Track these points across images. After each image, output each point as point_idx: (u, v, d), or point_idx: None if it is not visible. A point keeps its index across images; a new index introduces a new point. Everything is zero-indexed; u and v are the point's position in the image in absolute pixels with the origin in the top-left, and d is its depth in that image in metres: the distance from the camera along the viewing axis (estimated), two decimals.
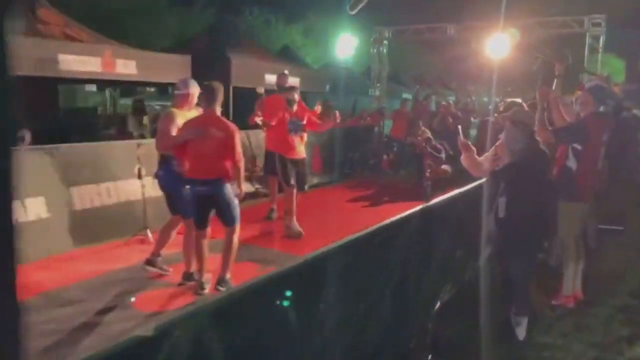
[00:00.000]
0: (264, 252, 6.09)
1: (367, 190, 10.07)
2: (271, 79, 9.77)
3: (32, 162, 5.60)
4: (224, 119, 4.79)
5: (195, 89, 4.89)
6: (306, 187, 6.89)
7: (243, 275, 4.93)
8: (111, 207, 6.30)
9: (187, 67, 8.02)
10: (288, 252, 6.06)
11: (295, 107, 6.64)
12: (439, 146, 9.91)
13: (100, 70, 6.65)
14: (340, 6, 11.76)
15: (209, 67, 8.94)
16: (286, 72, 7.37)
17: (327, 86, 12.92)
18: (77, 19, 7.88)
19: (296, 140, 6.67)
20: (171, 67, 7.77)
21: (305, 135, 6.78)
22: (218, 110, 4.72)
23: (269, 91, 8.82)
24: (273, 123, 6.61)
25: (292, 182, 6.70)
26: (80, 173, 6.01)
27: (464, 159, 4.02)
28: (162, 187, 4.92)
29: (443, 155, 9.79)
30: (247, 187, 8.31)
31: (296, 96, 6.63)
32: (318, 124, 6.89)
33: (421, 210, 3.43)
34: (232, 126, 4.74)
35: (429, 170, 9.08)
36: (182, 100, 4.90)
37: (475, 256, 4.34)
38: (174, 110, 4.85)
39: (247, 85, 7.23)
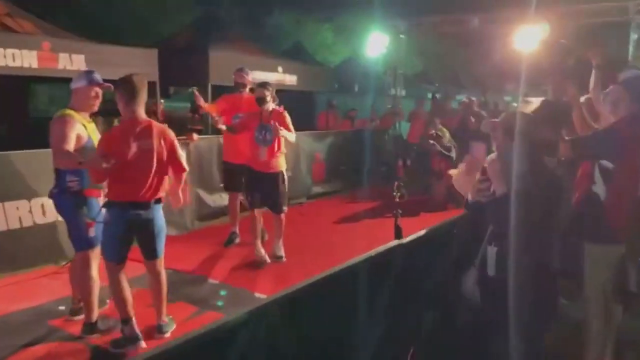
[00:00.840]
0: (209, 288, 4.99)
1: (373, 202, 8.80)
2: (263, 76, 8.68)
3: None
4: (155, 122, 3.74)
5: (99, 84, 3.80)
6: (284, 208, 5.69)
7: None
8: (45, 227, 5.31)
9: (153, 63, 7.00)
10: (243, 288, 4.94)
11: (268, 107, 5.48)
12: (449, 145, 8.59)
13: (37, 65, 5.67)
14: (372, 3, 10.74)
15: (185, 64, 7.91)
16: (244, 68, 6.18)
17: (336, 85, 11.71)
18: (51, 17, 6.97)
19: (264, 150, 5.48)
20: (132, 63, 6.75)
21: (277, 144, 5.55)
22: (143, 112, 3.64)
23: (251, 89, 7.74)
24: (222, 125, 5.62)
25: (254, 202, 5.60)
26: (8, 186, 5.03)
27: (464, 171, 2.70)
28: (58, 211, 3.85)
29: (454, 155, 8.45)
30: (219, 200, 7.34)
31: (267, 94, 5.44)
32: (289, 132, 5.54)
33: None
34: (169, 131, 3.77)
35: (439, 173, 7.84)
36: (82, 99, 3.81)
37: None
38: (71, 112, 3.76)
39: (231, 84, 6.17)
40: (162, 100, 7.78)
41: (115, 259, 3.67)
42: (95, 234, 3.70)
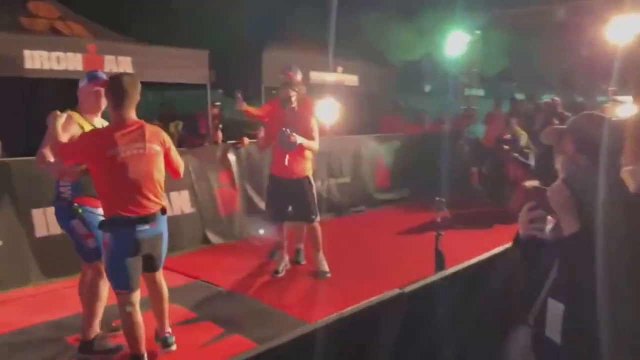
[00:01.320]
0: (242, 305, 4.57)
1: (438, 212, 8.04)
2: (320, 76, 8.24)
3: None
4: (148, 124, 3.38)
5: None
6: (315, 217, 5.18)
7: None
8: None
9: (203, 64, 6.73)
10: (283, 311, 4.47)
11: (292, 107, 5.01)
12: (527, 151, 7.68)
13: (82, 68, 5.55)
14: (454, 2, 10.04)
15: (239, 65, 7.62)
16: (292, 66, 5.67)
17: (403, 85, 11.02)
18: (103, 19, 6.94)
19: (288, 154, 4.98)
20: (182, 65, 6.53)
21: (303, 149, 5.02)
22: (133, 114, 3.30)
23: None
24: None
25: (277, 213, 5.21)
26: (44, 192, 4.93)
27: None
28: (57, 221, 3.57)
29: (532, 161, 7.54)
30: None
31: (293, 95, 4.98)
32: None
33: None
34: (163, 132, 3.44)
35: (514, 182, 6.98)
36: (84, 99, 3.52)
37: None
38: (72, 112, 3.47)
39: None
40: (219, 103, 7.50)
41: (128, 287, 3.26)
42: (95, 245, 3.37)
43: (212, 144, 6.79)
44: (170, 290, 4.67)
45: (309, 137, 4.98)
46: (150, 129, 3.33)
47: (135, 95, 3.26)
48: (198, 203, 6.32)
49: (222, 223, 6.50)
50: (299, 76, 5.63)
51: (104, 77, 3.50)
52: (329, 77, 8.26)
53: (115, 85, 3.22)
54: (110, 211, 3.19)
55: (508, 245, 2.16)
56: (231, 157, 6.76)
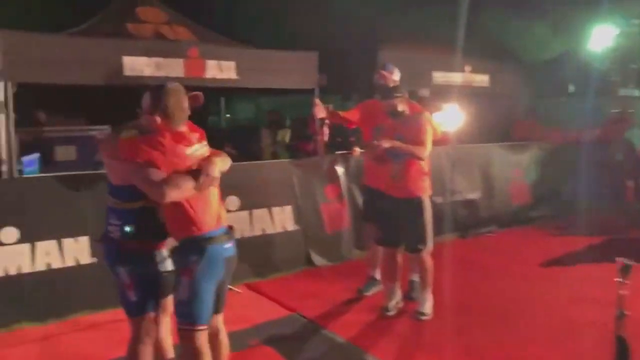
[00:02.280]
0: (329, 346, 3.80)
1: (591, 237, 6.60)
2: (444, 77, 7.27)
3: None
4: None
5: None
6: (423, 247, 4.27)
7: None
8: None
9: (312, 67, 6.13)
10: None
11: (401, 112, 4.22)
12: None
13: (183, 74, 5.21)
14: None
15: (351, 67, 6.94)
16: (388, 65, 4.78)
17: (540, 86, 9.58)
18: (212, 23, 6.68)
19: (397, 168, 4.20)
20: (288, 69, 5.98)
21: (408, 162, 4.20)
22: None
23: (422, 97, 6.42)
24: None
25: (384, 237, 4.40)
26: None
27: None
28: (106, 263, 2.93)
29: None
30: None
31: (399, 105, 4.17)
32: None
33: None
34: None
35: None
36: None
37: None
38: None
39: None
40: (331, 105, 6.87)
41: (207, 319, 2.74)
42: (136, 298, 2.81)
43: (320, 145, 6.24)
44: (262, 325, 4.15)
45: (420, 141, 4.16)
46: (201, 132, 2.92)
47: (184, 103, 2.78)
48: (302, 220, 5.71)
49: (328, 242, 5.84)
50: (396, 76, 4.77)
51: None
52: (455, 78, 7.26)
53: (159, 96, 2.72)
54: (193, 230, 2.69)
55: None
56: (339, 169, 6.08)
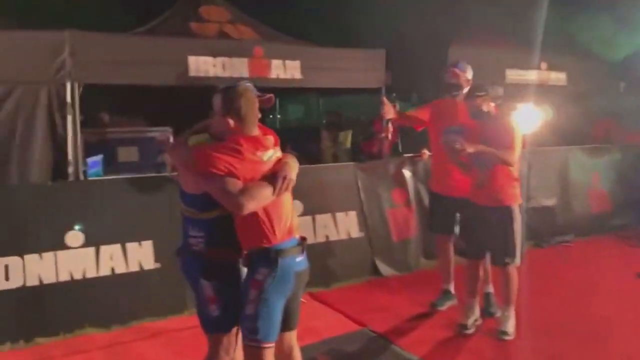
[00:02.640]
0: None
1: None
2: (518, 75, 6.80)
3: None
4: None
5: None
6: (511, 260, 3.89)
7: None
8: None
9: (380, 65, 5.83)
10: None
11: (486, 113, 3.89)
12: None
13: (248, 74, 5.03)
14: None
15: (417, 66, 6.58)
16: (460, 62, 4.39)
17: (622, 85, 8.86)
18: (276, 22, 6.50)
19: (485, 174, 3.88)
20: (355, 67, 5.71)
21: (496, 167, 3.84)
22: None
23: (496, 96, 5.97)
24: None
25: (469, 248, 4.05)
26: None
27: None
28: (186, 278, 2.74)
29: None
30: None
31: (483, 104, 3.84)
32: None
33: None
34: None
35: None
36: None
37: None
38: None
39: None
40: (396, 104, 6.56)
41: (275, 336, 2.53)
42: (217, 313, 2.58)
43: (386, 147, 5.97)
44: (331, 339, 3.91)
45: (509, 146, 3.80)
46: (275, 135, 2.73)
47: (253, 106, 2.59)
48: (367, 226, 5.43)
49: (395, 251, 5.53)
50: (469, 74, 4.39)
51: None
52: (530, 76, 6.78)
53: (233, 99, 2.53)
54: (263, 241, 2.48)
55: None
56: (406, 172, 5.75)
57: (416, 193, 5.78)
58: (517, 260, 3.91)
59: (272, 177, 2.43)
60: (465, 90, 4.28)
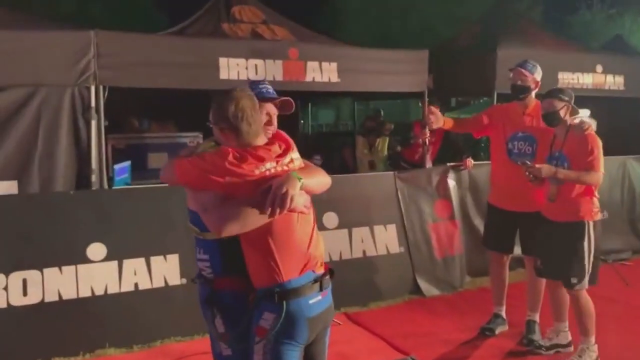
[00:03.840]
0: None
1: None
2: (571, 78, 6.30)
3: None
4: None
5: None
6: (578, 282, 3.45)
7: None
8: None
9: (422, 68, 5.44)
10: None
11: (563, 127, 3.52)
12: None
13: (282, 78, 4.75)
14: None
15: (468, 68, 6.17)
16: (527, 62, 3.93)
17: None
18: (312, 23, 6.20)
19: (555, 188, 3.52)
20: (394, 70, 5.33)
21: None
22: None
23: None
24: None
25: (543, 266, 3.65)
26: None
27: None
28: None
29: None
30: None
31: (560, 108, 3.46)
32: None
33: None
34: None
35: None
36: None
37: None
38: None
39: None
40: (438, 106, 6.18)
41: None
42: (231, 352, 2.21)
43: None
44: None
45: (589, 165, 3.41)
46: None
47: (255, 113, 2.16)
48: (408, 241, 5.03)
49: (438, 268, 5.10)
50: (538, 75, 3.95)
51: (271, 92, 2.34)
52: (585, 79, 6.28)
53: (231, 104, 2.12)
54: (268, 277, 2.07)
55: None
56: (451, 183, 5.34)
57: (461, 205, 5.37)
58: (586, 283, 3.48)
59: (267, 193, 1.98)
60: (534, 93, 3.89)
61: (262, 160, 2.02)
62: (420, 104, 6.90)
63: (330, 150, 8.70)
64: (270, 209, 1.94)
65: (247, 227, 1.98)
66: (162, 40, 4.66)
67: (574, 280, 3.47)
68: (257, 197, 1.97)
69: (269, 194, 1.95)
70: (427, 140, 5.54)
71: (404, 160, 6.54)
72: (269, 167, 2.03)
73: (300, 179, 2.02)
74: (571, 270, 3.47)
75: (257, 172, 2.00)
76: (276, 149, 2.10)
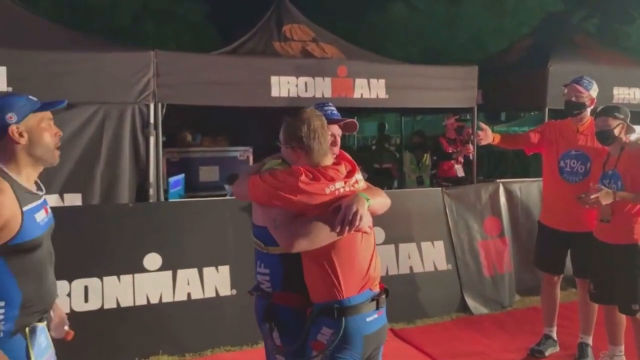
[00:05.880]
0: None
1: None
2: (627, 93, 6.13)
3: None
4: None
5: None
6: (636, 304, 3.35)
7: None
8: None
9: (471, 83, 5.42)
10: None
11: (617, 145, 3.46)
12: None
13: (330, 94, 4.83)
14: None
15: (518, 82, 6.10)
16: (583, 78, 3.84)
17: None
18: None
19: (604, 207, 3.41)
20: (444, 85, 5.34)
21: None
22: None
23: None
24: None
25: (597, 291, 3.56)
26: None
27: None
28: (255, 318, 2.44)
29: None
30: None
31: (615, 126, 3.40)
32: None
33: None
34: None
35: None
36: None
37: None
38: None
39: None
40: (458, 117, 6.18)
41: None
42: None
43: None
44: None
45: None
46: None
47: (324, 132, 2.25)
48: (456, 258, 4.99)
49: (486, 286, 5.03)
50: (594, 92, 3.87)
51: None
52: None
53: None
54: (327, 294, 2.14)
55: None
56: (501, 199, 5.27)
57: (511, 223, 5.28)
58: None
59: (336, 212, 2.07)
60: (589, 110, 3.83)
61: (332, 180, 2.12)
62: (444, 121, 6.90)
63: (375, 165, 8.72)
64: (339, 228, 2.03)
65: (316, 244, 2.06)
66: (217, 60, 4.85)
67: (634, 307, 3.36)
68: (327, 215, 2.06)
69: (340, 213, 2.04)
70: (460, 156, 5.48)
71: (441, 179, 6.51)
72: (338, 186, 2.13)
73: (368, 199, 2.11)
74: (630, 297, 3.37)
75: (327, 191, 2.10)
76: (343, 169, 2.21)
